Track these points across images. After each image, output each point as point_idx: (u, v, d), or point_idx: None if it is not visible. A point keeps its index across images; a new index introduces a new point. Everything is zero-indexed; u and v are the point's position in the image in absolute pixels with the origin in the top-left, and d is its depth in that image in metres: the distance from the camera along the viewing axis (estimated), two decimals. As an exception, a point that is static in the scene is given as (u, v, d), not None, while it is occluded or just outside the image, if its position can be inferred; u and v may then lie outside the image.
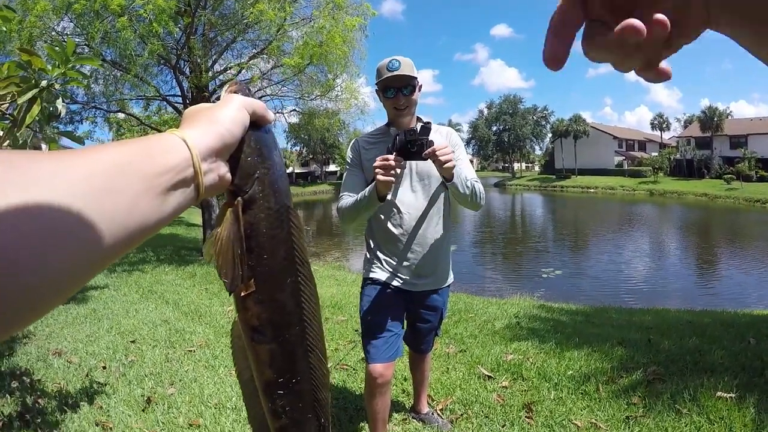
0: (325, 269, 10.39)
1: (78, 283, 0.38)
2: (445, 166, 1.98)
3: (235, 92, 0.63)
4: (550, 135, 73.90)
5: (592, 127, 65.49)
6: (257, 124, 0.60)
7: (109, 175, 0.40)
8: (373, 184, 2.05)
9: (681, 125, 63.68)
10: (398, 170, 1.99)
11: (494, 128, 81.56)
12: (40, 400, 3.10)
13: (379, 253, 2.36)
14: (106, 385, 3.38)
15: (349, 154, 2.42)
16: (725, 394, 2.84)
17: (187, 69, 10.11)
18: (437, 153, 1.96)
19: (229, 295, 0.60)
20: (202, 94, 9.53)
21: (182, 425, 2.84)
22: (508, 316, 5.25)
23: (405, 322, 2.46)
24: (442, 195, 2.34)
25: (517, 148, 79.47)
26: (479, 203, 2.22)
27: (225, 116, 0.55)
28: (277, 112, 11.95)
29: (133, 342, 4.40)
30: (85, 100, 10.63)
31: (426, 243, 2.31)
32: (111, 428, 2.80)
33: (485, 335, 4.44)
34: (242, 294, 0.61)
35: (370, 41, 11.17)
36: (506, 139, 78.24)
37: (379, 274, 2.35)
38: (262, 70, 10.87)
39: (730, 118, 55.04)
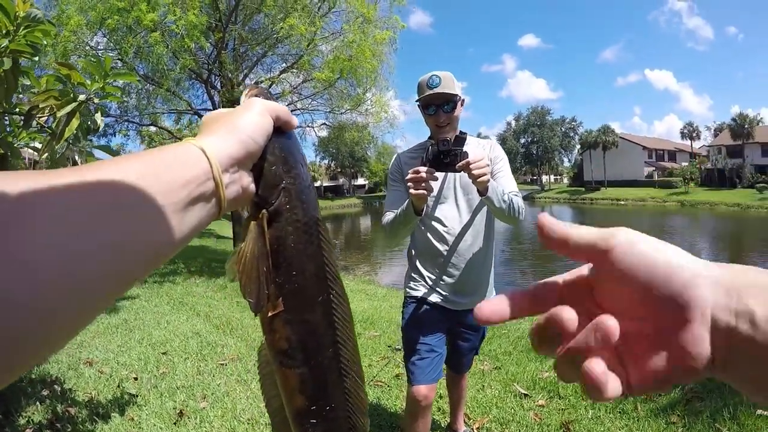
0: (355, 283, 10.35)
1: (86, 314, 0.35)
2: (480, 179, 1.91)
3: (255, 96, 0.58)
4: (578, 146, 73.11)
5: (621, 137, 64.76)
6: (280, 129, 0.56)
7: (117, 193, 0.37)
8: (408, 199, 2.01)
9: (711, 134, 62.91)
10: (431, 182, 1.93)
11: (522, 140, 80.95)
12: (70, 409, 3.10)
13: (421, 269, 2.31)
14: (137, 396, 3.37)
15: (391, 169, 2.39)
16: (765, 412, 2.79)
17: (219, 83, 10.28)
18: (471, 165, 1.89)
19: (255, 316, 0.54)
20: (234, 107, 9.68)
21: (214, 440, 2.81)
22: None
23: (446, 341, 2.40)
24: (485, 210, 2.28)
25: (546, 161, 78.62)
26: (518, 218, 2.13)
27: (247, 122, 0.51)
28: (307, 126, 12.06)
29: (164, 354, 4.40)
30: (118, 113, 10.88)
31: (468, 259, 2.24)
32: (143, 441, 2.79)
33: (519, 352, 4.37)
34: (269, 314, 0.56)
35: (399, 54, 11.21)
36: (534, 152, 77.62)
37: (421, 291, 2.29)
38: (293, 84, 10.99)
39: (761, 125, 53.86)
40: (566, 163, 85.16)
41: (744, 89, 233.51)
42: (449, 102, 2.18)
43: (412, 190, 1.92)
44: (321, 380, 0.59)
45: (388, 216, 2.20)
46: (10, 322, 0.29)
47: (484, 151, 2.27)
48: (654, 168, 62.63)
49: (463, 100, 2.26)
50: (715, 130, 61.59)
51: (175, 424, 3.00)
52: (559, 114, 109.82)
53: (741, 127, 52.83)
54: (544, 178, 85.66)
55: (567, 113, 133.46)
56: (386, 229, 2.21)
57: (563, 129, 78.14)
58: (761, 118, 54.14)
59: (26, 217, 0.31)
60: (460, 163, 1.91)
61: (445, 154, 1.94)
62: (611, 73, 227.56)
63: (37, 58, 1.80)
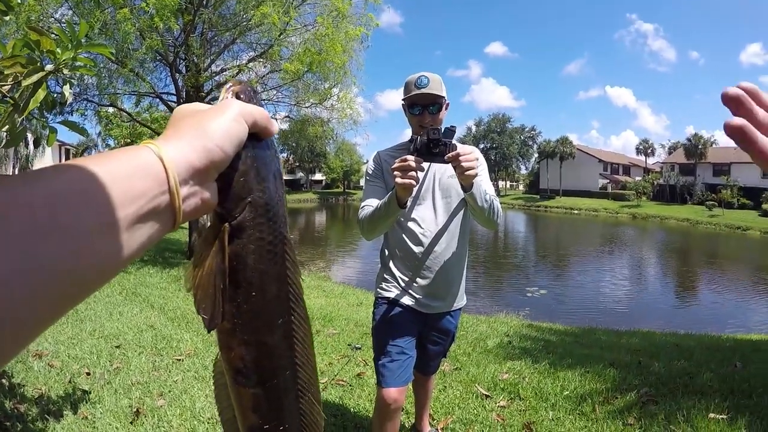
0: (311, 279, 10.25)
1: (15, 339, 0.30)
2: (467, 173, 1.88)
3: (237, 94, 0.52)
4: (536, 155, 74.77)
5: (578, 149, 66.48)
6: (257, 136, 0.50)
7: (54, 211, 0.31)
8: (392, 190, 1.97)
9: (666, 151, 65.15)
10: (419, 172, 1.89)
11: (481, 146, 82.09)
12: (20, 406, 2.91)
13: (394, 271, 2.29)
14: (90, 392, 3.19)
15: (370, 165, 2.36)
16: (717, 416, 2.90)
17: (184, 68, 9.93)
18: (460, 157, 1.87)
19: (208, 332, 0.49)
20: (198, 93, 9.36)
21: (174, 441, 2.67)
22: (499, 334, 5.34)
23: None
24: (462, 214, 2.27)
25: (503, 167, 79.96)
26: (496, 221, 2.14)
27: (217, 127, 0.44)
28: (271, 118, 11.82)
29: (117, 347, 4.21)
30: (78, 90, 10.37)
31: (442, 262, 2.23)
32: (98, 442, 2.61)
33: (479, 354, 4.45)
34: (225, 331, 0.51)
35: (367, 52, 11.12)
36: (493, 157, 78.78)
37: (393, 292, 2.27)
38: (259, 73, 10.72)
39: (714, 146, 56.03)
40: (523, 171, 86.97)
41: (700, 111, 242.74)
42: (435, 103, 2.18)
43: (398, 179, 1.87)
44: (276, 401, 0.57)
45: (366, 210, 2.17)
46: None
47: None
48: (608, 180, 64.48)
49: (448, 104, 2.26)
50: (669, 148, 63.90)
51: (131, 423, 2.85)
52: (519, 122, 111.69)
53: (695, 147, 54.73)
54: (501, 183, 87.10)
55: (527, 122, 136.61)
56: (364, 224, 2.16)
57: (522, 137, 79.48)
58: (715, 140, 56.26)
59: None
60: (450, 154, 1.88)
61: (434, 143, 1.90)
62: (573, 87, 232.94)
63: (7, 18, 1.62)
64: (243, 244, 0.49)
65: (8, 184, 0.31)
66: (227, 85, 0.53)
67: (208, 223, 0.51)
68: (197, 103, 0.48)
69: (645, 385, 3.53)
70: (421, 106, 2.17)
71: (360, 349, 4.35)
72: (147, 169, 0.38)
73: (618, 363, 4.15)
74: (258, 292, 0.51)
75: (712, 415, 2.90)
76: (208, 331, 0.49)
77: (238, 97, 0.51)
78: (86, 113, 11.17)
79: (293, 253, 0.54)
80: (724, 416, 2.89)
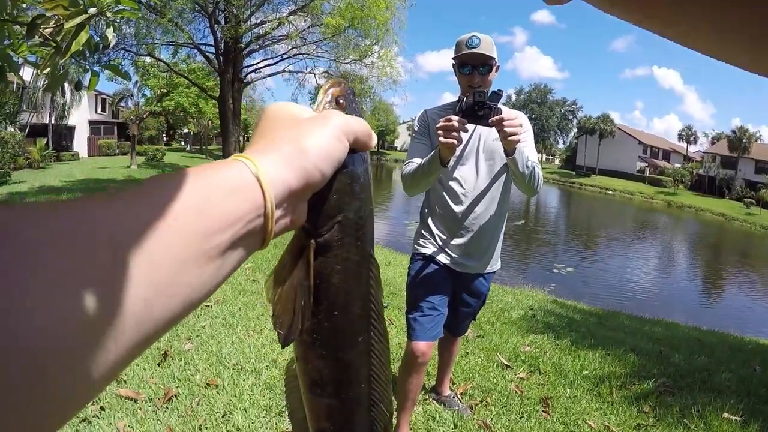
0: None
1: (86, 388, 0.26)
2: (510, 138, 1.90)
3: (337, 98, 0.47)
4: (575, 130, 73.02)
5: (619, 128, 64.90)
6: (353, 150, 0.45)
7: (139, 245, 0.28)
8: (436, 149, 1.99)
9: (708, 141, 63.16)
10: (462, 132, 1.92)
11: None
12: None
13: (433, 228, 2.33)
14: (119, 332, 3.29)
15: (416, 124, 2.37)
16: (732, 416, 2.90)
17: (223, 19, 9.89)
18: (504, 122, 1.88)
19: (282, 348, 0.50)
20: (237, 45, 9.33)
21: (199, 383, 2.76)
22: (524, 307, 5.34)
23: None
24: (505, 178, 2.28)
25: (541, 139, 78.32)
26: (536, 187, 2.14)
27: (317, 146, 0.40)
28: (309, 72, 11.76)
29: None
30: (115, 40, 10.46)
31: (481, 224, 2.26)
32: (125, 381, 2.71)
33: (502, 324, 4.48)
34: (303, 343, 0.50)
35: (410, 11, 10.91)
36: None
37: (430, 249, 2.32)
38: (299, 27, 10.62)
39: (759, 142, 54.12)
40: (561, 145, 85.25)
41: (748, 104, 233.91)
42: (486, 64, 2.19)
43: (441, 139, 1.91)
44: (348, 413, 0.56)
45: (410, 166, 2.21)
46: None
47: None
48: (647, 164, 62.91)
49: (498, 66, 2.25)
50: (712, 138, 61.86)
51: (158, 365, 2.94)
52: (560, 95, 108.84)
53: (739, 140, 52.88)
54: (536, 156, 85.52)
55: (569, 95, 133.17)
56: (407, 179, 2.21)
57: (562, 110, 77.65)
58: (760, 135, 54.38)
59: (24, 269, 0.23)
60: (494, 118, 1.90)
61: (480, 105, 1.91)
62: (619, 64, 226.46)
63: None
64: (328, 263, 0.47)
65: (90, 209, 0.27)
66: (325, 85, 0.50)
67: None
68: (292, 104, 0.44)
69: (663, 375, 3.53)
70: (471, 66, 2.17)
71: (386, 308, 4.39)
72: (245, 192, 0.35)
73: (639, 350, 4.14)
74: (340, 311, 0.49)
75: (726, 415, 2.90)
76: (282, 347, 0.48)
77: (337, 102, 0.48)
78: (123, 63, 11.29)
79: (378, 271, 0.52)
80: (738, 418, 2.89)
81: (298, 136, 0.40)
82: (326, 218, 0.45)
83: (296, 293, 0.46)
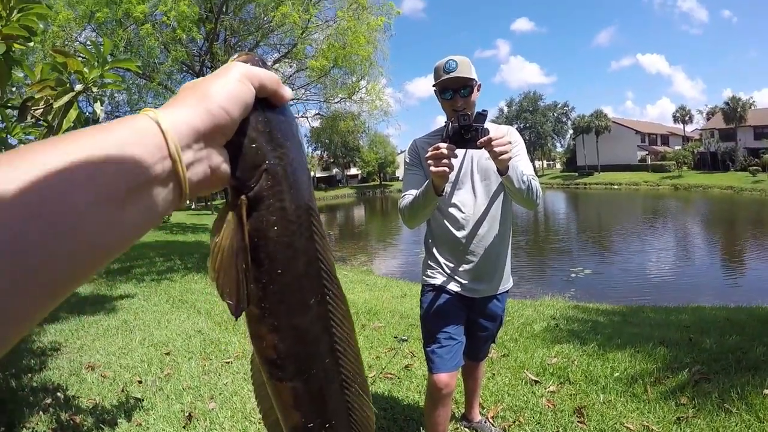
0: (353, 274, 10.27)
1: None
2: (501, 157, 1.87)
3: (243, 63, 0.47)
4: (571, 131, 73.26)
5: (613, 122, 65.13)
6: (270, 102, 0.46)
7: (40, 190, 0.29)
8: (429, 179, 1.97)
9: (704, 117, 63.27)
10: (452, 159, 1.89)
11: (515, 126, 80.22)
12: (75, 417, 2.98)
13: (438, 257, 2.30)
14: (143, 400, 3.25)
15: (407, 156, 2.36)
16: None
17: (211, 75, 10.13)
18: (492, 142, 1.86)
19: (235, 320, 0.47)
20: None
21: (226, 444, 2.71)
22: (546, 318, 5.26)
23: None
24: (503, 196, 2.26)
25: (539, 146, 78.55)
26: (535, 201, 2.12)
27: (219, 89, 0.41)
28: (301, 117, 11.91)
29: (167, 354, 4.29)
30: (110, 109, 10.67)
31: (486, 246, 2.23)
32: (153, 449, 2.68)
33: (526, 339, 4.41)
34: (253, 318, 0.48)
35: (391, 41, 11.14)
36: (527, 137, 77.49)
37: (439, 279, 2.28)
38: (286, 74, 10.82)
39: (753, 108, 54.10)
40: (559, 148, 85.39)
41: (737, 73, 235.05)
42: (466, 86, 2.18)
43: (432, 168, 1.88)
44: (318, 395, 0.52)
45: (407, 199, 2.19)
46: None
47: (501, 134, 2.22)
48: (647, 152, 62.93)
49: (480, 85, 2.25)
50: (707, 114, 61.97)
51: (184, 427, 2.90)
52: (552, 99, 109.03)
53: (734, 111, 52.86)
54: (537, 163, 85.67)
55: (560, 98, 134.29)
56: (405, 212, 2.18)
57: (555, 114, 78.07)
58: (754, 102, 54.58)
59: None
60: (482, 139, 1.88)
61: (466, 129, 1.89)
62: (605, 58, 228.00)
63: (31, 44, 1.66)
64: (262, 216, 0.45)
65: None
66: (234, 56, 0.49)
67: None
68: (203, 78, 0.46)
69: (697, 362, 3.45)
70: (452, 91, 2.17)
71: (406, 341, 4.32)
72: (143, 136, 0.36)
73: (668, 341, 4.06)
74: (284, 268, 0.47)
75: (766, 391, 2.82)
76: (236, 318, 0.46)
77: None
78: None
79: (321, 225, 0.50)
80: (779, 392, 2.80)
81: (200, 86, 0.41)
82: (250, 168, 0.44)
83: (236, 257, 0.44)
